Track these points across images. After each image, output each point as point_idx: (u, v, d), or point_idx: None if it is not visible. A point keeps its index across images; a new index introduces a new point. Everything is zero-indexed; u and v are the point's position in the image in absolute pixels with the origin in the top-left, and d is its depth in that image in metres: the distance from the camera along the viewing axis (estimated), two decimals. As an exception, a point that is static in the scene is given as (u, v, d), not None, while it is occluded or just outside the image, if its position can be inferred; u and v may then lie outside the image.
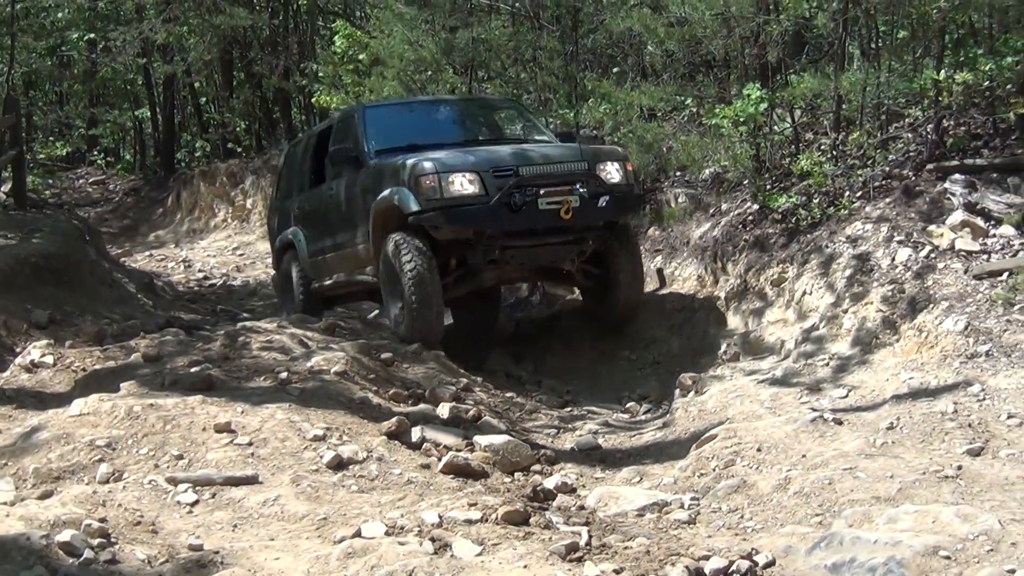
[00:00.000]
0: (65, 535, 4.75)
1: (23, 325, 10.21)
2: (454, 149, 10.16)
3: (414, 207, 9.48)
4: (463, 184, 9.43)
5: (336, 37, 17.85)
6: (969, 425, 6.48)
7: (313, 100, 18.95)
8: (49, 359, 8.60)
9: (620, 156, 10.33)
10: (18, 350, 9.33)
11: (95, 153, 30.28)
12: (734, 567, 4.99)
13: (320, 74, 19.17)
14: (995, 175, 9.24)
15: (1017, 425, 6.43)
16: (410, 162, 9.62)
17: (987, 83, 9.54)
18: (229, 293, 15.65)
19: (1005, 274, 8.13)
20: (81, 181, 27.31)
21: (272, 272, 13.80)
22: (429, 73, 14.68)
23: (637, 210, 10.93)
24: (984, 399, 6.79)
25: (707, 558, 5.09)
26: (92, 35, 25.52)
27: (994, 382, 6.97)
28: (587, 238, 9.98)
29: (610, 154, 10.29)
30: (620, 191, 9.97)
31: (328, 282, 11.48)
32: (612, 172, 9.97)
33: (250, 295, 15.43)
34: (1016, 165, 9.25)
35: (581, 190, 9.60)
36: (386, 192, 9.84)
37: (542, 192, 9.48)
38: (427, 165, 9.49)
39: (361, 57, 16.45)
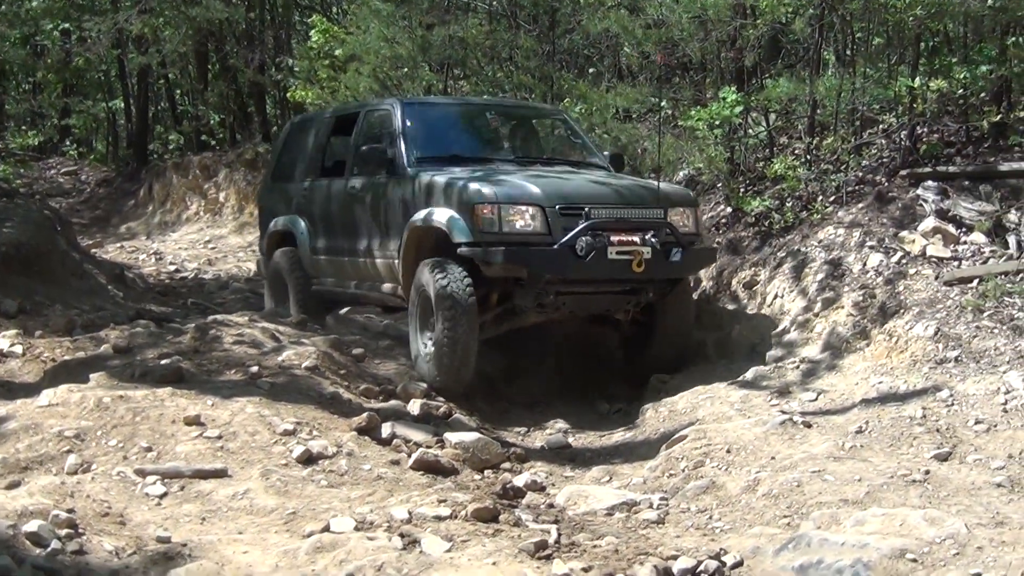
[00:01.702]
0: (32, 525, 4.74)
1: (-8, 314, 10.14)
2: (508, 169, 9.25)
3: (465, 237, 8.37)
4: (525, 220, 8.28)
5: (312, 32, 17.74)
6: (937, 430, 6.53)
7: (288, 95, 18.87)
8: (18, 349, 8.55)
9: (693, 201, 9.25)
10: (-14, 339, 9.25)
11: (67, 143, 30.08)
12: (702, 567, 5.02)
13: (296, 69, 19.10)
14: (967, 183, 9.31)
15: (985, 431, 6.49)
16: (466, 185, 8.53)
17: (961, 91, 9.62)
18: (200, 286, 15.54)
19: (975, 281, 8.20)
20: (53, 171, 27.12)
21: (258, 258, 13.24)
22: (405, 70, 14.65)
23: (709, 265, 9.77)
24: (952, 404, 6.85)
25: (675, 558, 5.11)
26: (67, 25, 25.30)
27: (963, 388, 7.03)
28: (649, 290, 8.90)
29: (683, 198, 9.14)
30: (692, 241, 8.90)
31: (333, 286, 10.48)
32: (685, 220, 8.87)
33: (221, 288, 15.32)
34: (988, 173, 9.32)
35: (653, 240, 8.40)
36: (432, 212, 8.72)
37: (613, 240, 8.29)
38: (486, 192, 8.37)
39: (337, 53, 16.34)
